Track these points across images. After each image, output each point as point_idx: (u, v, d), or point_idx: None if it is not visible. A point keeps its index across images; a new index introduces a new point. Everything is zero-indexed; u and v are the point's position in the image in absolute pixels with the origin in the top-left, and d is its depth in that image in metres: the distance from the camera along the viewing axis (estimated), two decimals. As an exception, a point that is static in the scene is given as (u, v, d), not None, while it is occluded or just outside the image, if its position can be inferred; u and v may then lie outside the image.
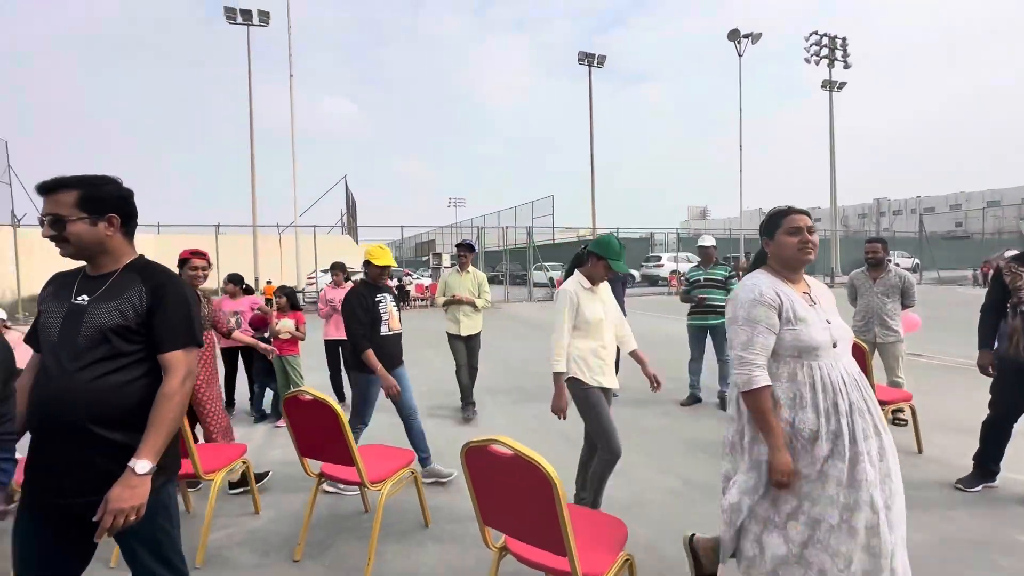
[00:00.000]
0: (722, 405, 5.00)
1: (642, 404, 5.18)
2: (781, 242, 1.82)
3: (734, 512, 1.77)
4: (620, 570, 1.81)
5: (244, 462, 3.00)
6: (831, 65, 27.12)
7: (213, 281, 4.53)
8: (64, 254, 1.46)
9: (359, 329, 3.26)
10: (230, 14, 18.37)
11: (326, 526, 2.92)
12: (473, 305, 4.95)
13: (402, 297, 16.65)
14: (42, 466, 1.42)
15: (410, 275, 20.12)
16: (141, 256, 1.57)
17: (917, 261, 25.94)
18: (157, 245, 23.71)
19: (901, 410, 4.22)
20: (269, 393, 5.10)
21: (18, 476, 1.64)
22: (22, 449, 1.55)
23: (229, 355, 5.26)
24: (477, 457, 1.74)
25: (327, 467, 2.67)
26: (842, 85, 27.40)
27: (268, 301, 6.21)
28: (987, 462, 3.17)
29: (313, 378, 5.52)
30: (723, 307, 5.09)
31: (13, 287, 14.26)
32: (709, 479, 3.45)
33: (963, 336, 6.15)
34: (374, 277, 3.42)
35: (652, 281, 22.85)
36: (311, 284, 17.54)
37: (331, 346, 5.33)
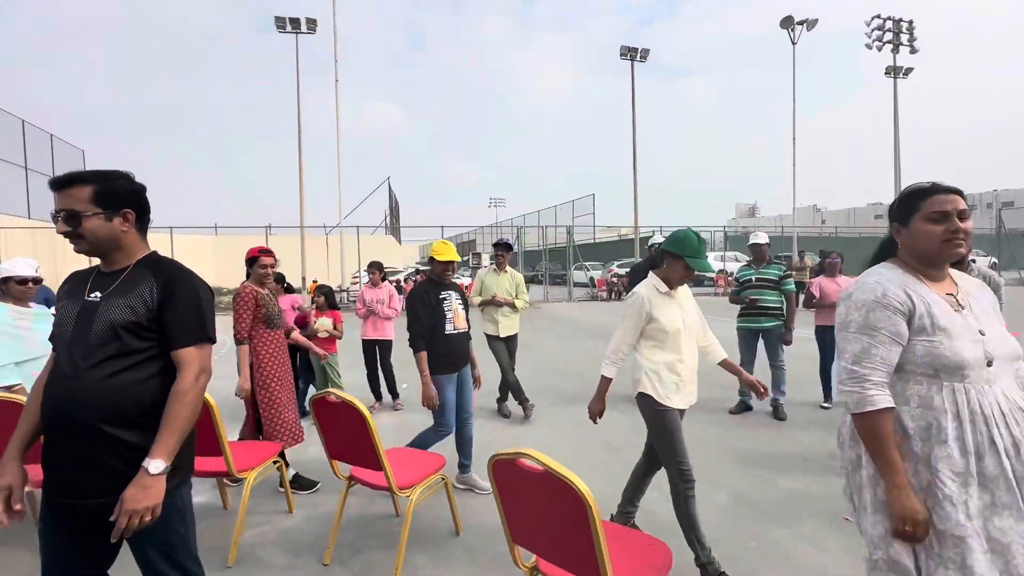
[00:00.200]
0: (776, 414, 4.65)
1: (688, 411, 4.90)
2: (919, 231, 1.40)
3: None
4: (663, 601, 1.63)
5: (277, 461, 2.99)
6: (895, 50, 25.30)
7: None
8: (78, 250, 1.44)
9: (417, 330, 3.14)
10: (280, 23, 19.08)
11: (356, 528, 2.86)
12: (512, 306, 4.84)
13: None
14: (56, 466, 1.41)
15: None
16: (154, 252, 1.54)
17: (995, 260, 23.81)
18: (214, 246, 25.08)
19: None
20: (312, 390, 5.17)
21: (36, 476, 1.63)
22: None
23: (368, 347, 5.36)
24: (505, 470, 1.61)
25: (356, 470, 2.61)
26: (908, 71, 25.52)
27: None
28: None
29: (351, 376, 5.55)
30: (777, 309, 4.74)
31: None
32: (763, 495, 3.18)
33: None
34: (439, 274, 3.30)
35: (697, 281, 22.00)
36: (355, 283, 17.97)
37: (368, 345, 5.34)
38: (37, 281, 3.00)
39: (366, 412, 2.31)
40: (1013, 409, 1.32)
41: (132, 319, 1.40)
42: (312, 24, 19.16)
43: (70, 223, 1.39)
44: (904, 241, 1.46)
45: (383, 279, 5.50)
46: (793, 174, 22.81)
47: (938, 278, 1.45)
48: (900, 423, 1.36)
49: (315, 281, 15.36)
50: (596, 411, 2.48)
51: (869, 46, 25.40)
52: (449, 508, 2.82)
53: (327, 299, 4.98)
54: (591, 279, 21.17)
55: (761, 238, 4.92)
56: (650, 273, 2.48)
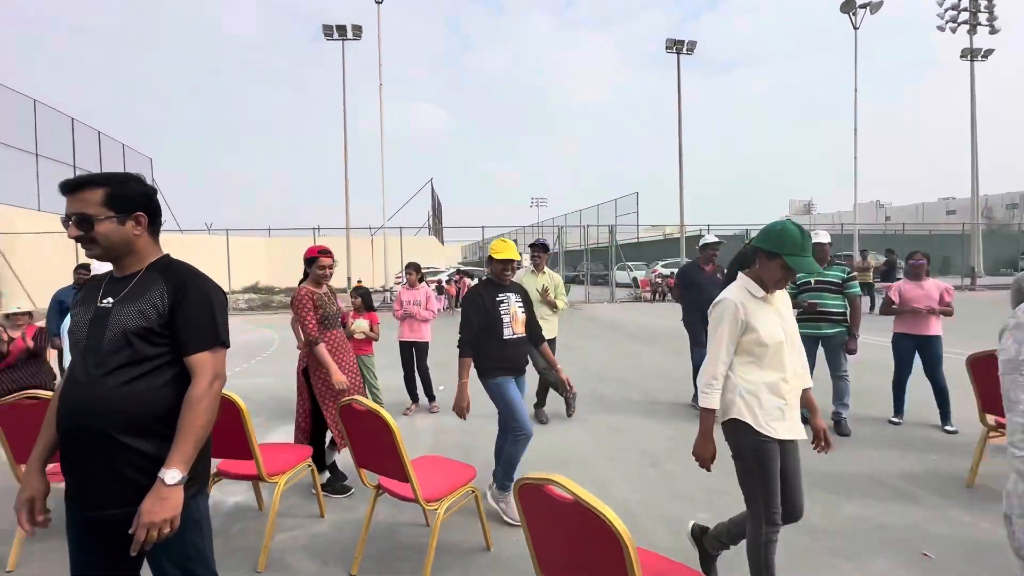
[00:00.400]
0: (838, 429, 4.26)
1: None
2: None
3: None
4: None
5: (310, 465, 2.97)
6: (972, 31, 23.28)
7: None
8: (90, 255, 1.40)
9: (466, 334, 2.95)
10: (327, 31, 19.71)
11: (385, 537, 2.79)
12: (552, 306, 4.68)
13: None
14: (74, 476, 1.39)
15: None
16: (166, 255, 1.50)
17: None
18: (267, 247, 26.23)
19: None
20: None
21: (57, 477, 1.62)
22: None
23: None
24: (533, 496, 1.46)
25: (384, 480, 2.53)
26: (987, 53, 23.44)
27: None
28: None
29: (387, 377, 5.55)
30: (839, 314, 4.34)
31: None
32: (826, 522, 2.87)
33: None
34: (497, 274, 3.05)
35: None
36: (398, 283, 18.31)
37: (405, 347, 5.31)
38: None
39: (392, 422, 2.21)
40: None
41: (144, 325, 1.36)
42: (358, 31, 19.67)
43: (82, 227, 1.35)
44: None
45: (421, 280, 5.47)
46: (855, 167, 21.37)
47: None
48: None
49: (359, 281, 15.74)
50: (707, 456, 2.00)
51: (942, 28, 23.52)
52: (479, 521, 2.69)
53: (364, 301, 4.99)
54: (634, 279, 20.65)
55: (823, 237, 4.52)
56: (739, 274, 2.07)
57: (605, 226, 22.35)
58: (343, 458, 3.85)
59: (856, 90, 21.10)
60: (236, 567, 2.54)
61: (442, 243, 30.01)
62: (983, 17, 23.27)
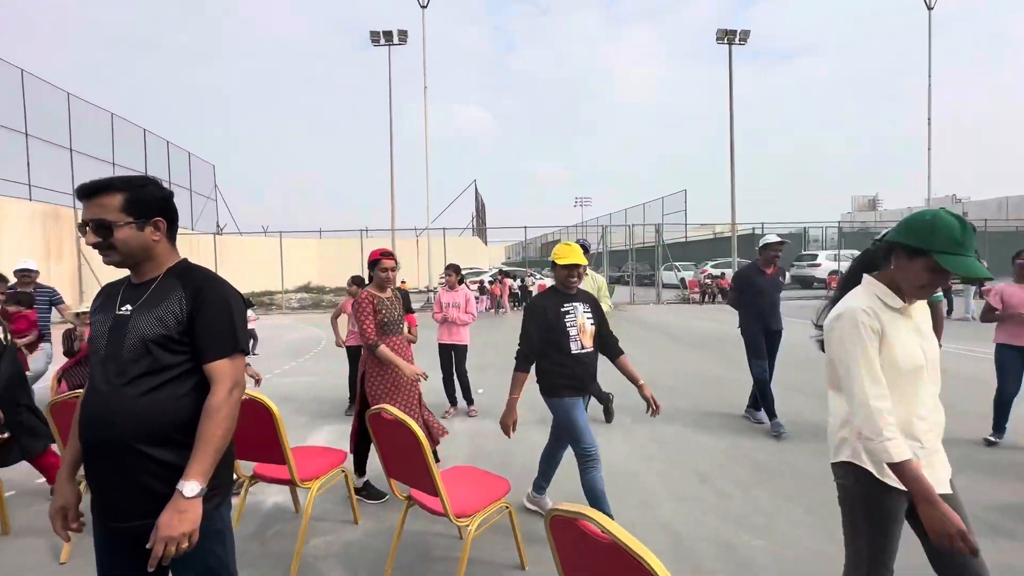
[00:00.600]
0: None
1: (796, 437, 4.22)
2: None
3: None
4: None
5: (343, 471, 2.93)
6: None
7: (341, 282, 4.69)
8: (109, 262, 1.37)
9: (524, 347, 2.70)
10: (374, 37, 20.21)
11: (417, 548, 2.72)
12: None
13: (524, 297, 16.72)
14: (97, 487, 1.37)
15: (533, 275, 20.20)
16: (184, 259, 1.46)
17: None
18: (319, 248, 27.24)
19: None
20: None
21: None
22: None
23: (353, 353, 5.47)
24: (565, 530, 1.31)
25: (415, 492, 2.44)
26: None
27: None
28: None
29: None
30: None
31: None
32: (911, 559, 2.54)
33: None
34: (562, 281, 2.77)
35: (806, 283, 19.84)
36: (442, 283, 18.50)
37: (444, 350, 5.26)
38: None
39: (420, 434, 2.12)
40: None
41: (163, 332, 1.32)
42: (403, 35, 20.04)
43: (100, 233, 1.32)
44: None
45: (460, 282, 5.40)
46: (928, 159, 19.78)
47: None
48: None
49: (403, 282, 15.99)
50: (952, 532, 1.39)
51: (1032, 3, 21.27)
52: (514, 537, 2.56)
53: (403, 303, 4.96)
54: (682, 280, 19.93)
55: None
56: (864, 278, 1.64)
57: (651, 225, 21.72)
58: (372, 464, 3.83)
59: (930, 76, 19.50)
60: (270, 571, 2.54)
61: (485, 244, 30.16)
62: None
